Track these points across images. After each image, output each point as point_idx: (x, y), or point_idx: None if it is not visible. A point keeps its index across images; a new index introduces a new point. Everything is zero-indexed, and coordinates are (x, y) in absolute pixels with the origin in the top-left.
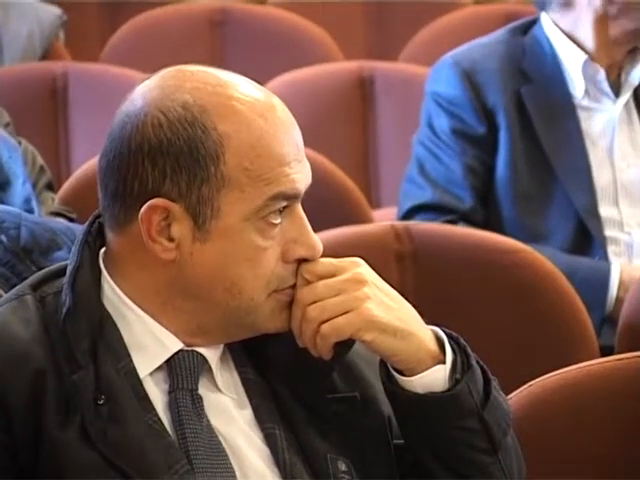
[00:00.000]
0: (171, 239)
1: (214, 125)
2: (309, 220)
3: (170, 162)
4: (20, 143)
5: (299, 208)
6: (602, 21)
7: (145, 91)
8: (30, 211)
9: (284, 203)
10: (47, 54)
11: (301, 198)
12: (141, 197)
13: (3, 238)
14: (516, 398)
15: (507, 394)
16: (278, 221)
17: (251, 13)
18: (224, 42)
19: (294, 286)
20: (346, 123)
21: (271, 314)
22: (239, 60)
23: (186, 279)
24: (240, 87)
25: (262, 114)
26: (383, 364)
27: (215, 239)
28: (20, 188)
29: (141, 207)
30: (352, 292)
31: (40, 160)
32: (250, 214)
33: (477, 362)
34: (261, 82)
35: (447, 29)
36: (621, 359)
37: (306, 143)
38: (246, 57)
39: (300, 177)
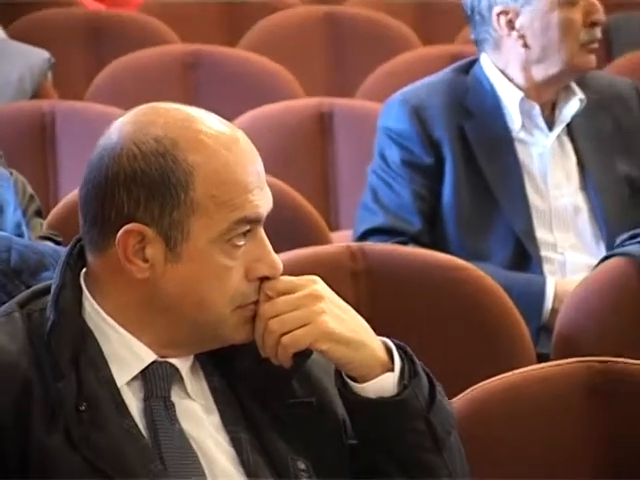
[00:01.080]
0: (145, 260)
1: (184, 156)
2: (272, 242)
3: (144, 190)
4: (12, 174)
5: (261, 231)
6: (527, 65)
7: (121, 126)
8: (20, 235)
9: (247, 227)
10: (37, 93)
11: (263, 222)
12: (118, 222)
13: None
14: (460, 401)
15: (453, 398)
16: (242, 243)
17: (221, 55)
18: (197, 81)
19: (256, 302)
20: (307, 154)
21: (235, 327)
22: (211, 98)
23: (159, 296)
24: (207, 122)
25: (227, 146)
26: (338, 372)
27: (185, 260)
28: (11, 215)
29: (118, 232)
30: (310, 307)
31: (30, 189)
32: (217, 237)
33: (423, 369)
34: (231, 118)
35: (399, 69)
36: (556, 365)
37: (271, 172)
38: (217, 95)
39: (262, 203)
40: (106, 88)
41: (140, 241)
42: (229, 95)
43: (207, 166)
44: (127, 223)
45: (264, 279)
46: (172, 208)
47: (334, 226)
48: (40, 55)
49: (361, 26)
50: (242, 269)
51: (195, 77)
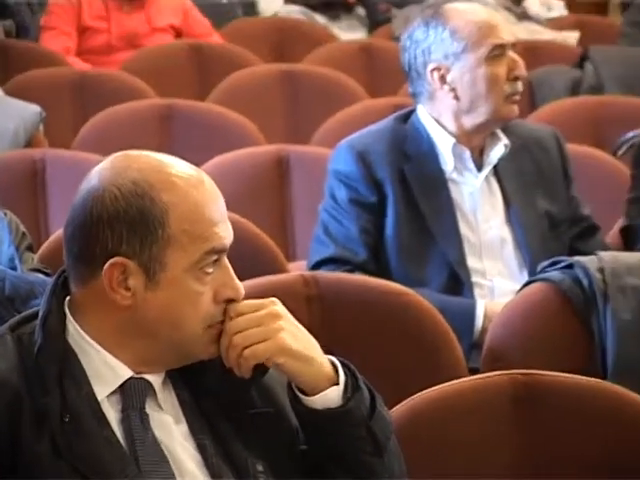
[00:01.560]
0: (128, 289)
1: (159, 196)
2: (236, 271)
3: (126, 228)
4: (6, 214)
5: (226, 259)
6: (458, 114)
7: (100, 171)
8: (14, 268)
9: (215, 256)
10: (30, 143)
11: (227, 252)
12: (102, 257)
13: None
14: (401, 410)
15: (395, 407)
16: (211, 270)
17: (193, 108)
18: (172, 131)
19: (222, 322)
20: (268, 194)
21: (205, 345)
22: (184, 145)
23: (139, 319)
24: (177, 166)
25: (195, 187)
26: (290, 386)
27: (163, 287)
28: (6, 250)
29: (103, 265)
30: (269, 325)
31: (22, 228)
32: (190, 266)
33: (364, 383)
34: (201, 162)
35: (348, 119)
36: (484, 377)
37: (235, 210)
38: (189, 143)
39: (226, 235)
40: (91, 138)
41: (123, 272)
42: (200, 143)
43: (180, 205)
44: (111, 257)
45: (229, 301)
46: (151, 243)
47: (291, 257)
48: (32, 109)
49: (315, 81)
50: (211, 293)
51: (170, 127)
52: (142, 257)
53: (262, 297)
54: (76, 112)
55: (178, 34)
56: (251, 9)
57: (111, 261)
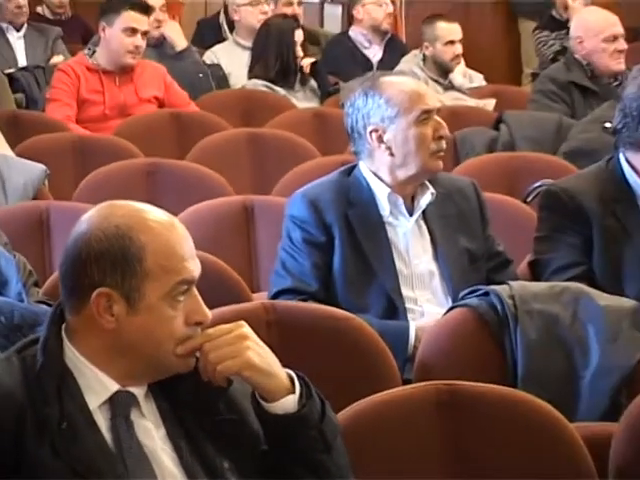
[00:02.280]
0: (112, 315)
1: (137, 237)
2: (207, 301)
3: (109, 264)
4: (15, 256)
5: (195, 289)
6: (392, 168)
7: (88, 218)
8: (21, 301)
9: (185, 287)
10: (36, 196)
11: (195, 282)
12: (90, 289)
13: (2, 319)
14: (345, 415)
15: (340, 412)
16: (182, 298)
17: (174, 165)
18: (155, 185)
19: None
20: (236, 237)
21: (179, 360)
22: (166, 196)
23: (122, 341)
24: (153, 213)
25: (168, 229)
26: (253, 395)
27: (142, 313)
28: (14, 286)
29: (91, 295)
30: (238, 344)
31: (29, 267)
32: (164, 295)
33: (316, 392)
34: (179, 211)
35: (303, 172)
36: (414, 387)
37: (208, 250)
38: (170, 194)
39: (195, 268)
40: (88, 191)
41: (108, 301)
42: (179, 194)
43: (155, 243)
44: (97, 288)
45: (198, 324)
46: (131, 275)
47: (256, 289)
48: (39, 168)
49: (276, 142)
50: (182, 317)
51: (154, 182)
52: (123, 288)
53: (230, 321)
54: (76, 170)
55: (161, 104)
56: (223, 82)
57: (97, 291)
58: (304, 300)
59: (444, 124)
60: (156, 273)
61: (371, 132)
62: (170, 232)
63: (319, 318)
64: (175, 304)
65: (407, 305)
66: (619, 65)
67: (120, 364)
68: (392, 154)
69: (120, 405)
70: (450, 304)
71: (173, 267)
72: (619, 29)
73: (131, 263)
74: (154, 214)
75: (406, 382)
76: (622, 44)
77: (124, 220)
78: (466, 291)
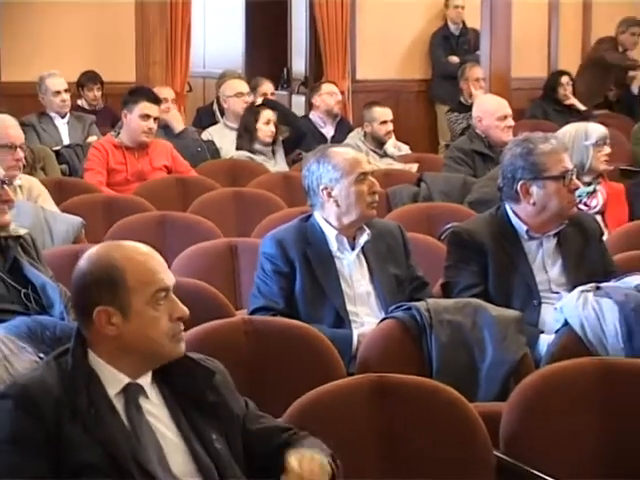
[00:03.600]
0: (112, 324)
1: (119, 264)
2: (200, 317)
3: (104, 288)
4: (58, 285)
5: (172, 294)
6: (339, 216)
7: (86, 257)
8: (62, 319)
9: (163, 293)
10: (76, 241)
11: (171, 289)
12: (92, 308)
13: (48, 333)
14: (301, 401)
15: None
16: (162, 302)
17: (177, 216)
18: (164, 231)
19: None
20: (223, 269)
21: (172, 348)
22: (171, 241)
23: (125, 342)
24: (130, 245)
25: (141, 254)
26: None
27: (134, 319)
28: (58, 307)
29: (93, 313)
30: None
31: (69, 293)
32: (147, 302)
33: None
34: (181, 250)
35: (274, 220)
36: (353, 379)
37: (200, 279)
38: (175, 239)
39: (167, 279)
40: (113, 237)
41: (107, 315)
42: (182, 238)
43: (132, 266)
44: (97, 307)
45: (179, 318)
46: (119, 293)
47: (238, 307)
48: (77, 220)
49: (255, 198)
50: (166, 316)
51: (163, 229)
52: (116, 303)
53: (216, 335)
54: (105, 221)
55: (169, 171)
56: (216, 154)
57: (97, 309)
58: (274, 315)
59: (376, 182)
60: (137, 287)
61: (322, 190)
62: (143, 256)
63: (285, 328)
64: (158, 307)
65: (351, 318)
66: (508, 137)
67: (128, 360)
68: (338, 205)
69: (131, 394)
70: (383, 316)
71: (149, 280)
72: (508, 110)
73: (117, 283)
74: (131, 246)
75: (351, 375)
76: (510, 122)
77: (108, 254)
78: (394, 306)
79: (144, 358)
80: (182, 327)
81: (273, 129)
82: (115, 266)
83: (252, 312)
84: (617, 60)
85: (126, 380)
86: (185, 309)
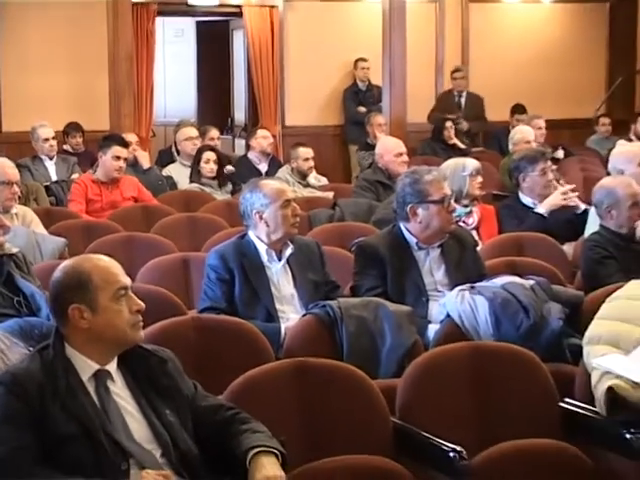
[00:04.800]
0: (83, 318)
1: (86, 270)
2: (158, 315)
3: (73, 290)
4: (45, 293)
5: (130, 292)
6: (269, 234)
7: (64, 265)
8: (49, 320)
9: (123, 291)
10: (60, 257)
11: (130, 288)
12: (67, 307)
13: (37, 331)
14: (236, 383)
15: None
16: (123, 298)
17: (141, 236)
18: (132, 250)
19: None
20: (178, 277)
21: (134, 335)
22: (135, 256)
23: (96, 333)
24: (95, 256)
25: (103, 261)
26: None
27: (101, 313)
28: (44, 311)
29: (67, 311)
30: None
31: None
32: (111, 298)
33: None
34: (142, 264)
35: (218, 238)
36: (280, 363)
37: (160, 285)
38: (136, 254)
39: (125, 280)
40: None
41: (79, 311)
42: (144, 253)
43: (96, 269)
44: (70, 305)
45: (138, 311)
46: (87, 292)
47: (190, 307)
48: (62, 240)
49: (204, 220)
50: (127, 309)
51: (130, 247)
52: (85, 301)
53: (170, 330)
54: (84, 241)
55: (136, 200)
56: (173, 186)
57: (71, 307)
58: (218, 313)
59: (298, 207)
60: (101, 286)
61: (255, 213)
62: (105, 262)
63: (226, 324)
64: (119, 302)
65: (279, 314)
66: (404, 169)
67: (97, 349)
68: (268, 226)
69: (100, 378)
70: (304, 313)
71: (112, 280)
72: (404, 149)
73: (85, 285)
74: (95, 256)
75: (278, 359)
76: (405, 158)
77: (77, 263)
78: (312, 305)
79: (111, 345)
80: (140, 318)
81: (213, 167)
82: (83, 272)
83: (201, 311)
84: (437, 120)
85: (96, 367)
86: (141, 303)
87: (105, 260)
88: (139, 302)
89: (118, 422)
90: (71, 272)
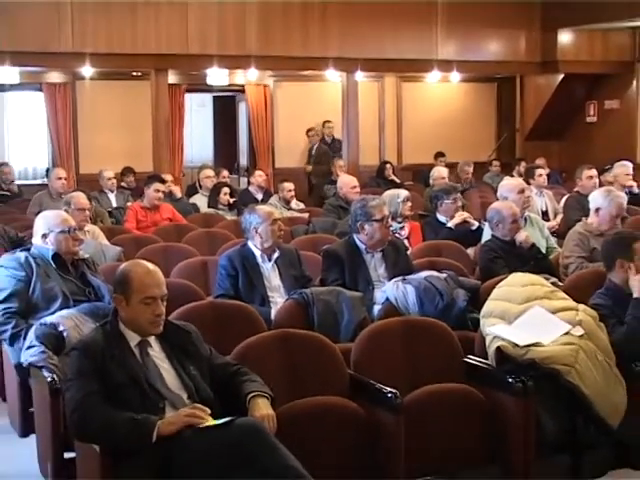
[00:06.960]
0: (121, 306)
1: (131, 274)
2: (184, 301)
3: (120, 285)
4: (107, 286)
5: (158, 300)
6: (262, 243)
7: (123, 266)
8: (110, 304)
9: (150, 300)
10: (119, 260)
11: (158, 298)
12: (114, 295)
13: (101, 312)
14: (240, 347)
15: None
16: (150, 303)
17: (175, 246)
18: (167, 255)
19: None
20: (200, 274)
21: (151, 329)
22: (170, 260)
23: (128, 319)
24: (143, 263)
25: (146, 270)
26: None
27: (132, 308)
28: (107, 298)
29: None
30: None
31: None
32: (140, 301)
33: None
34: (173, 267)
35: (228, 246)
36: (268, 333)
37: (187, 279)
38: (173, 258)
39: (157, 292)
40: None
41: (119, 300)
42: (176, 258)
43: (137, 276)
44: (114, 294)
45: (158, 315)
46: (127, 290)
47: (208, 294)
48: (119, 249)
49: (219, 234)
50: (150, 311)
51: (166, 254)
52: (124, 294)
53: (195, 311)
54: (135, 249)
55: (171, 220)
56: (197, 211)
57: (114, 296)
58: (228, 299)
59: (282, 224)
60: (137, 290)
61: (253, 229)
62: (146, 271)
63: (233, 306)
64: (146, 306)
65: (270, 299)
66: (357, 197)
67: (133, 328)
68: (261, 237)
69: (143, 345)
70: (286, 298)
71: (143, 290)
72: (357, 183)
73: (127, 284)
74: (143, 263)
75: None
76: (358, 189)
77: (128, 267)
78: (292, 292)
79: (137, 330)
80: (159, 319)
81: (229, 198)
82: (128, 275)
83: (215, 297)
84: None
85: (138, 338)
86: (163, 309)
87: (149, 269)
88: (162, 309)
89: (156, 375)
90: (123, 271)
